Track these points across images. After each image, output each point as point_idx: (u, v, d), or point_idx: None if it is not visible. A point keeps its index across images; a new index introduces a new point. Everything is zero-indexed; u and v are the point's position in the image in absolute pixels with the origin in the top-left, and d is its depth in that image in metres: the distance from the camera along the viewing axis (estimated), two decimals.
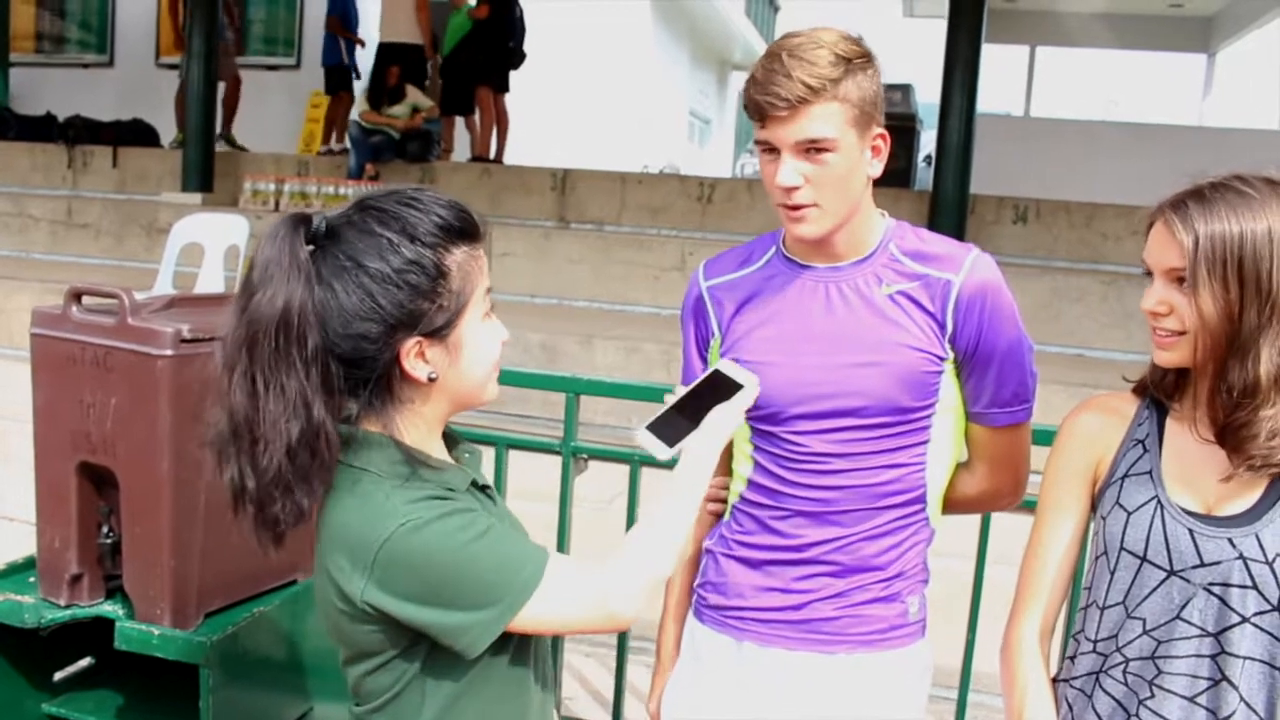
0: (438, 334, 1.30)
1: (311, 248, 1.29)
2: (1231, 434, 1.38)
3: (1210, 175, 1.42)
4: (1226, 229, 1.34)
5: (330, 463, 1.28)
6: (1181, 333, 1.39)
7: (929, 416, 1.61)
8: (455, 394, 1.37)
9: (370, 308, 1.27)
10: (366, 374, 1.30)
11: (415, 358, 1.30)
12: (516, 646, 1.39)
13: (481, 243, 1.36)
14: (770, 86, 1.50)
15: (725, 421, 1.51)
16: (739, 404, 1.52)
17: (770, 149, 1.54)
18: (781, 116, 1.50)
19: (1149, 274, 1.44)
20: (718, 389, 1.55)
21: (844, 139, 1.51)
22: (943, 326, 1.59)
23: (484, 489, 1.41)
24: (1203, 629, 1.40)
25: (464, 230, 1.33)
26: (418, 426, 1.36)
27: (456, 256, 1.31)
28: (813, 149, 1.51)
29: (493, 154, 9.11)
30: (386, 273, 1.27)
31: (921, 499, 1.64)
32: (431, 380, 1.32)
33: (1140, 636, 1.44)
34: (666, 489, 1.44)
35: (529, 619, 1.29)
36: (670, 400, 1.56)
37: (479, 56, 8.80)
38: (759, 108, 1.52)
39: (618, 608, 1.33)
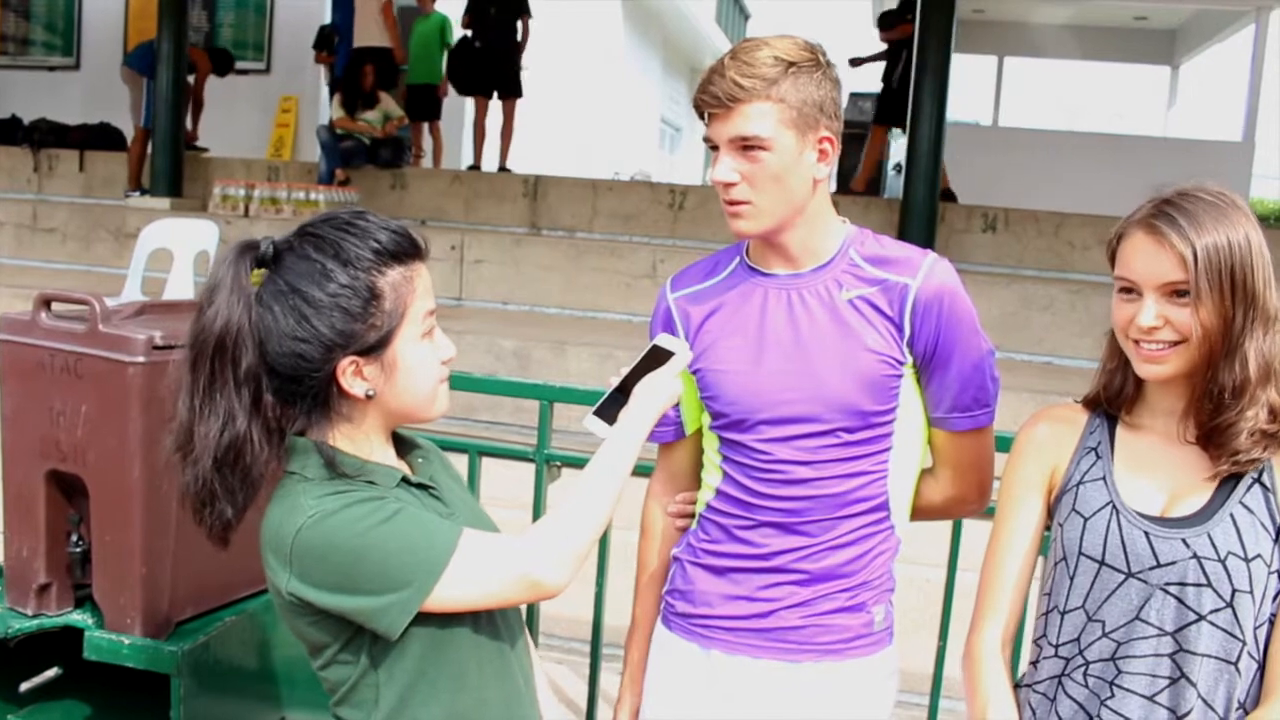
0: (371, 352, 1.37)
1: (261, 270, 1.38)
2: (1219, 434, 1.42)
3: (1165, 189, 1.45)
4: (1218, 239, 1.38)
5: (256, 474, 1.37)
6: (1176, 343, 1.41)
7: (890, 423, 1.63)
8: (395, 409, 1.43)
9: (306, 331, 1.35)
10: (306, 390, 1.38)
11: (352, 375, 1.38)
12: (474, 623, 1.42)
13: (422, 262, 1.42)
14: (709, 86, 1.56)
15: (654, 389, 1.55)
16: (668, 371, 1.56)
17: (714, 146, 1.59)
18: (717, 114, 1.56)
19: (1127, 290, 1.45)
20: (655, 362, 1.58)
21: (779, 139, 1.54)
22: (901, 330, 1.60)
23: (422, 486, 1.46)
24: (1161, 629, 1.43)
25: (399, 252, 1.39)
26: (354, 437, 1.42)
27: (390, 278, 1.38)
28: (747, 146, 1.55)
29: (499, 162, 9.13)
30: (319, 298, 1.35)
31: (885, 507, 1.65)
32: (369, 397, 1.39)
33: (1101, 639, 1.47)
34: (596, 458, 1.49)
35: (447, 596, 1.34)
36: (613, 381, 1.58)
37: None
38: (698, 106, 1.58)
39: (540, 577, 1.37)
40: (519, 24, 8.84)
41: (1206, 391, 1.41)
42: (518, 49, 8.90)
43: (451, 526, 1.38)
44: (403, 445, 1.53)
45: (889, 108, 8.12)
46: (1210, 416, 1.42)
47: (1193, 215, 1.39)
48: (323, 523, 1.32)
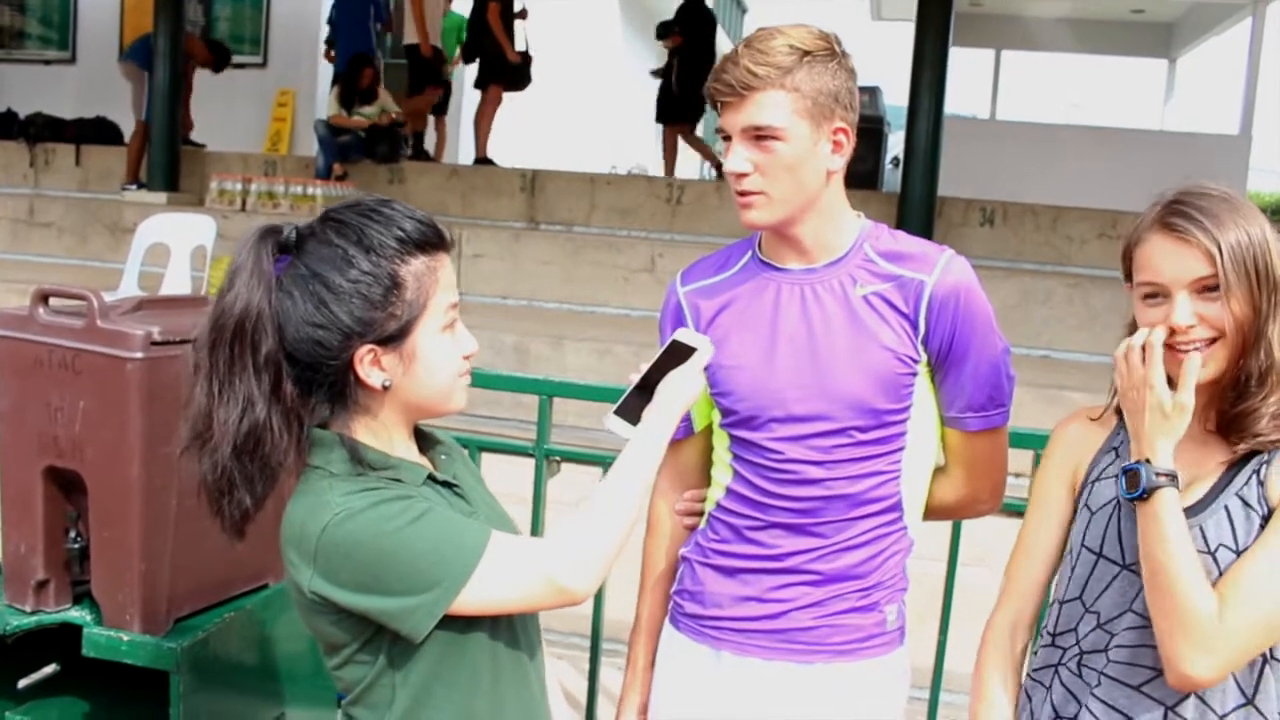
0: (391, 342, 1.34)
1: (283, 256, 1.34)
2: (1241, 419, 1.43)
3: (1167, 192, 1.46)
4: (1238, 235, 1.40)
5: (275, 463, 1.33)
6: (1212, 341, 1.42)
7: (904, 422, 1.61)
8: (413, 401, 1.40)
9: (324, 316, 1.32)
10: (324, 378, 1.35)
11: (370, 365, 1.34)
12: (493, 628, 1.40)
13: (446, 254, 1.40)
14: (722, 74, 1.53)
15: (678, 387, 1.51)
16: (692, 367, 1.52)
17: (727, 136, 1.57)
18: (730, 103, 1.53)
19: (1152, 295, 1.44)
20: (676, 359, 1.54)
21: (793, 128, 1.52)
22: (915, 327, 1.58)
23: (447, 485, 1.44)
24: (1147, 619, 1.43)
25: (424, 242, 1.36)
26: (376, 431, 1.39)
27: (413, 267, 1.35)
28: (760, 136, 1.52)
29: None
30: (340, 283, 1.32)
31: (898, 507, 1.63)
32: (386, 387, 1.36)
33: (1095, 630, 1.49)
34: (621, 458, 1.46)
35: (473, 599, 1.32)
36: (634, 379, 1.55)
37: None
38: (710, 95, 1.55)
39: (567, 582, 1.34)
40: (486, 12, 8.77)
41: (1234, 380, 1.42)
42: (491, 36, 8.84)
43: (480, 528, 1.35)
44: (424, 441, 1.50)
45: (671, 108, 9.30)
46: (1233, 404, 1.43)
47: (1208, 211, 1.40)
48: (349, 521, 1.29)
